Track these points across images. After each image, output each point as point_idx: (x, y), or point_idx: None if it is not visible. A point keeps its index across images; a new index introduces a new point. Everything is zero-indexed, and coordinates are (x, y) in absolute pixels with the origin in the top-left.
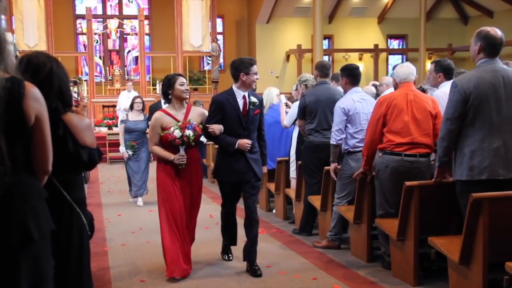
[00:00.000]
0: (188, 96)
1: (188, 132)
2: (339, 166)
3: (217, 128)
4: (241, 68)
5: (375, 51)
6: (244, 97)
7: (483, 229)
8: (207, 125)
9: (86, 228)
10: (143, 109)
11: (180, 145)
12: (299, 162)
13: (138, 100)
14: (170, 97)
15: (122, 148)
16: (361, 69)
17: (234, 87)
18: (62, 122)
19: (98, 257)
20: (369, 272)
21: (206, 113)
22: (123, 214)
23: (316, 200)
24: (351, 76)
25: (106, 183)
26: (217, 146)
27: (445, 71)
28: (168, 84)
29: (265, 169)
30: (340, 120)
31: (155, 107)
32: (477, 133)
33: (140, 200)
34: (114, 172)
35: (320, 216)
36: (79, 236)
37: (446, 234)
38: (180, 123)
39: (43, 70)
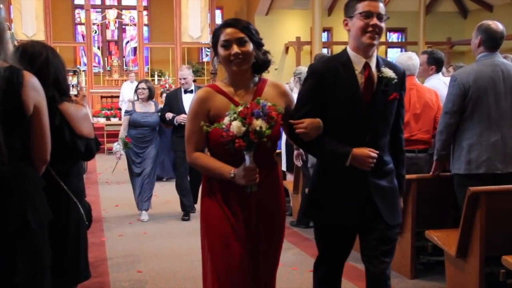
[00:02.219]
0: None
1: (258, 124)
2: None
3: (311, 125)
4: (348, 8)
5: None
6: (367, 66)
7: (480, 222)
8: (294, 122)
9: (83, 218)
10: (150, 97)
11: (245, 149)
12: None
13: (142, 85)
14: (217, 61)
15: (116, 146)
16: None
17: (349, 49)
18: (58, 111)
19: (96, 247)
20: None
21: (294, 97)
22: (121, 205)
23: None
24: None
25: (104, 174)
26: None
27: (438, 64)
28: (215, 37)
29: (401, 203)
30: None
31: (173, 96)
32: (476, 127)
33: (144, 214)
34: (112, 162)
35: None
36: (76, 226)
37: (443, 228)
38: (240, 108)
39: (39, 59)
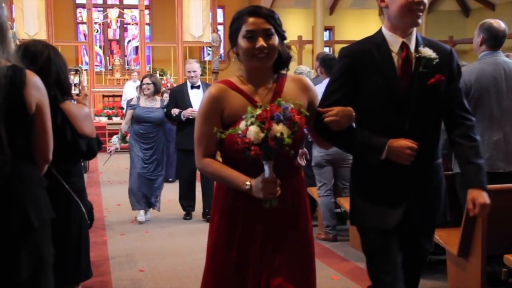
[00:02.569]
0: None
1: (278, 129)
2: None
3: (343, 112)
4: None
5: None
6: (404, 46)
7: (482, 221)
8: (323, 109)
9: (85, 217)
10: (156, 93)
11: (264, 158)
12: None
13: (146, 80)
14: (235, 49)
15: (115, 139)
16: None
17: (384, 29)
18: (60, 110)
19: (98, 246)
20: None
21: (316, 90)
22: (123, 204)
23: (315, 192)
24: (325, 66)
25: (106, 173)
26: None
27: None
28: (236, 26)
29: (482, 197)
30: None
31: (178, 92)
32: (478, 126)
33: (142, 214)
34: (114, 162)
35: (319, 208)
36: (78, 225)
37: (445, 227)
38: (258, 110)
39: (40, 58)
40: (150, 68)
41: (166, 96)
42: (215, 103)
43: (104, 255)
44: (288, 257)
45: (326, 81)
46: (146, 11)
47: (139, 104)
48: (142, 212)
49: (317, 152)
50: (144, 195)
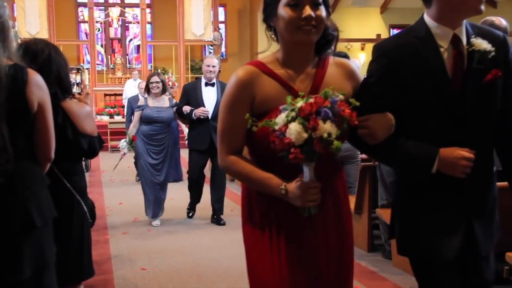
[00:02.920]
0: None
1: (326, 129)
2: None
3: (379, 122)
4: None
5: (378, 41)
6: (455, 40)
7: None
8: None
9: (87, 215)
10: (164, 91)
11: (305, 160)
12: None
13: (155, 79)
14: (272, 22)
15: (123, 143)
16: (364, 59)
17: (428, 19)
18: (61, 109)
19: (100, 245)
20: (370, 261)
21: (360, 76)
22: (124, 203)
23: None
24: None
25: (108, 172)
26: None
27: None
28: None
29: None
30: None
31: (191, 88)
32: None
33: (157, 220)
34: (116, 160)
35: None
36: (79, 224)
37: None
38: (300, 102)
39: (41, 56)
40: (151, 67)
41: (167, 94)
42: (245, 89)
43: (106, 253)
44: (334, 266)
45: None
46: (148, 10)
47: (148, 104)
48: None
49: None
50: (161, 201)
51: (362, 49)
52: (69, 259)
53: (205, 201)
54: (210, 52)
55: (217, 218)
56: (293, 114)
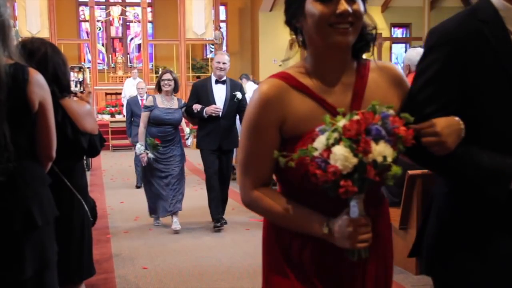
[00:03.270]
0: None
1: (380, 151)
2: None
3: (448, 128)
4: None
5: (379, 39)
6: None
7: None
8: (416, 126)
9: (87, 214)
10: (175, 91)
11: (354, 195)
12: None
13: (167, 76)
14: (298, 23)
15: (140, 148)
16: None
17: None
18: (61, 107)
19: (101, 244)
20: None
21: (407, 81)
22: (126, 202)
23: None
24: None
25: (109, 171)
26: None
27: None
28: None
29: None
30: None
31: (201, 87)
32: None
33: (176, 222)
34: (117, 159)
35: None
36: (80, 223)
37: None
38: (342, 120)
39: (37, 54)
40: (152, 66)
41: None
42: (271, 108)
43: (107, 253)
44: None
45: None
46: (149, 9)
47: (157, 105)
48: (175, 219)
49: None
50: (174, 198)
51: None
52: (70, 258)
53: (206, 200)
54: (211, 51)
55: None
56: (336, 135)
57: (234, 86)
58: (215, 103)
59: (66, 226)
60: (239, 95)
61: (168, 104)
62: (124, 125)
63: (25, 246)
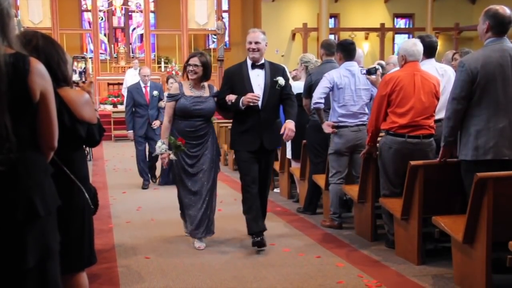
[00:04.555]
0: None
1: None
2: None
3: None
4: None
5: (382, 30)
6: None
7: (487, 208)
8: None
9: (88, 203)
10: (205, 78)
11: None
12: (304, 141)
13: (195, 61)
14: None
15: (161, 146)
16: (367, 48)
17: None
18: (58, 96)
19: (103, 234)
20: (373, 251)
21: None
22: (128, 192)
23: (320, 179)
24: (345, 51)
25: (111, 161)
26: None
27: (430, 49)
28: None
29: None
30: (323, 86)
31: (235, 73)
32: (483, 113)
33: (199, 242)
34: (119, 150)
35: (324, 195)
36: (81, 212)
37: (450, 214)
38: None
39: (28, 46)
40: (155, 56)
41: (171, 82)
42: None
43: (109, 242)
44: None
45: (346, 64)
46: None
47: (184, 93)
48: (201, 243)
49: (338, 139)
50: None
51: (366, 38)
52: (70, 246)
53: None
54: (213, 41)
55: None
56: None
57: (275, 71)
58: (252, 92)
59: (65, 214)
60: (281, 81)
61: (197, 92)
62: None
63: (27, 236)
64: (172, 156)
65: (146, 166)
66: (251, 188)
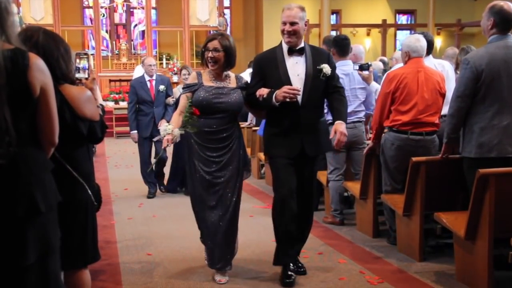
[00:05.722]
0: None
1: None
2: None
3: None
4: None
5: (383, 26)
6: None
7: (489, 205)
8: None
9: (91, 199)
10: (229, 65)
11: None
12: None
13: (214, 44)
14: None
15: (169, 126)
16: (369, 44)
17: None
18: (59, 93)
19: (105, 230)
20: (375, 247)
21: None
22: (130, 188)
23: (322, 176)
24: (337, 46)
25: (113, 158)
26: None
27: (427, 46)
28: None
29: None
30: None
31: (268, 60)
32: (487, 110)
33: (220, 275)
34: (121, 146)
35: (326, 192)
36: (83, 208)
37: (452, 210)
38: None
39: (28, 43)
40: (156, 53)
41: (184, 74)
42: None
43: (111, 239)
44: None
45: (340, 64)
46: None
47: (202, 83)
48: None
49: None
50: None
51: (368, 34)
52: (72, 243)
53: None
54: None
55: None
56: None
57: (319, 56)
58: (290, 85)
59: (67, 211)
60: (326, 69)
61: (220, 82)
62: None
63: (28, 232)
64: (176, 132)
65: (152, 171)
66: (286, 204)
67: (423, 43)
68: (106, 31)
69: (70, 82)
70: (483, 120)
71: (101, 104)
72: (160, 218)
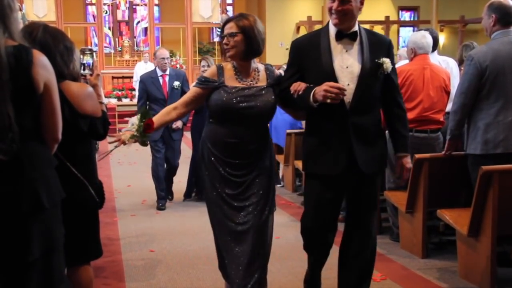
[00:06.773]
0: None
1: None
2: None
3: None
4: None
5: (386, 23)
6: None
7: (492, 201)
8: None
9: (93, 197)
10: (252, 54)
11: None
12: None
13: (230, 27)
14: None
15: (132, 122)
16: None
17: None
18: (59, 90)
19: (108, 227)
20: (378, 244)
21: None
22: (133, 185)
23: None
24: None
25: (116, 154)
26: None
27: (433, 44)
28: None
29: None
30: None
31: (307, 46)
32: (492, 106)
33: None
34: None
35: None
36: (84, 205)
37: (455, 207)
38: None
39: (28, 39)
40: None
41: (203, 66)
42: None
43: (114, 236)
44: None
45: None
46: None
47: (224, 82)
48: None
49: None
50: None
51: None
52: (75, 239)
53: None
54: (217, 35)
55: None
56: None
57: (378, 46)
58: (335, 80)
59: (69, 207)
60: (387, 64)
61: (246, 80)
62: (131, 108)
63: (32, 228)
64: (125, 137)
65: (164, 179)
66: (317, 246)
67: (429, 39)
68: (109, 28)
69: (72, 79)
70: (488, 117)
71: (102, 102)
72: (163, 215)
